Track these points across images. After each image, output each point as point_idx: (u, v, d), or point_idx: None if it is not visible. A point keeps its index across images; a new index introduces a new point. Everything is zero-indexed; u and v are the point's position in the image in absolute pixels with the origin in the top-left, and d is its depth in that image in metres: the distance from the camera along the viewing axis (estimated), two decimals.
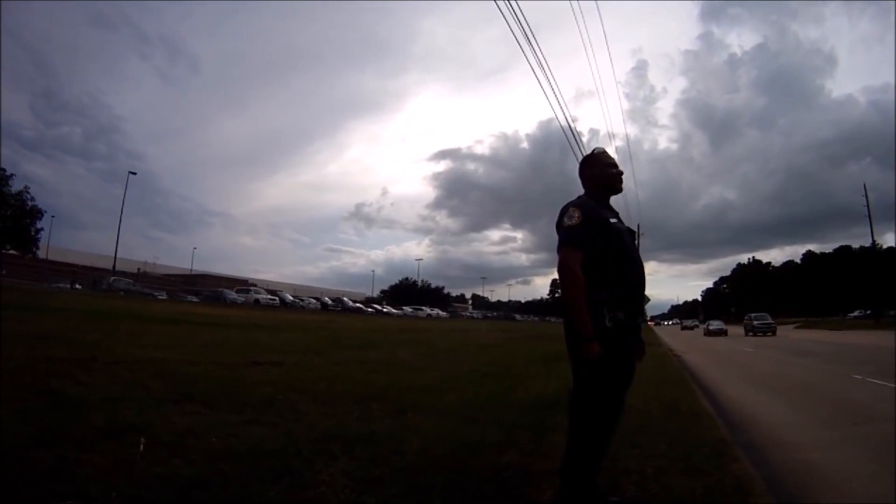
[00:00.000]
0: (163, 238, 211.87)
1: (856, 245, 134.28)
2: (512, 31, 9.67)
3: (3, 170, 61.67)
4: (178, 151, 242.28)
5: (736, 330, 62.75)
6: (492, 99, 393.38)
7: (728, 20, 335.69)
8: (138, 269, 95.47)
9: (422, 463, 5.07)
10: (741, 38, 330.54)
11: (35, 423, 5.16)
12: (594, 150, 4.61)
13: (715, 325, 66.49)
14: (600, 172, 4.34)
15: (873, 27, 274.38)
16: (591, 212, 4.00)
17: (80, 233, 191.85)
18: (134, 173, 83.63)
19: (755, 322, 57.09)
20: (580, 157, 4.67)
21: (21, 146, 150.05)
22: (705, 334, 63.83)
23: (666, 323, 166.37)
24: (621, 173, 4.42)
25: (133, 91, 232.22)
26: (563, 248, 3.92)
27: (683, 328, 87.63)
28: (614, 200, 4.47)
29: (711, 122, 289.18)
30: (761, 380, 16.23)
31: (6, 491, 3.68)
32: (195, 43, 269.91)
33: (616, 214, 4.30)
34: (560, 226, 4.01)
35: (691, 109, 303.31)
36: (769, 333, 53.33)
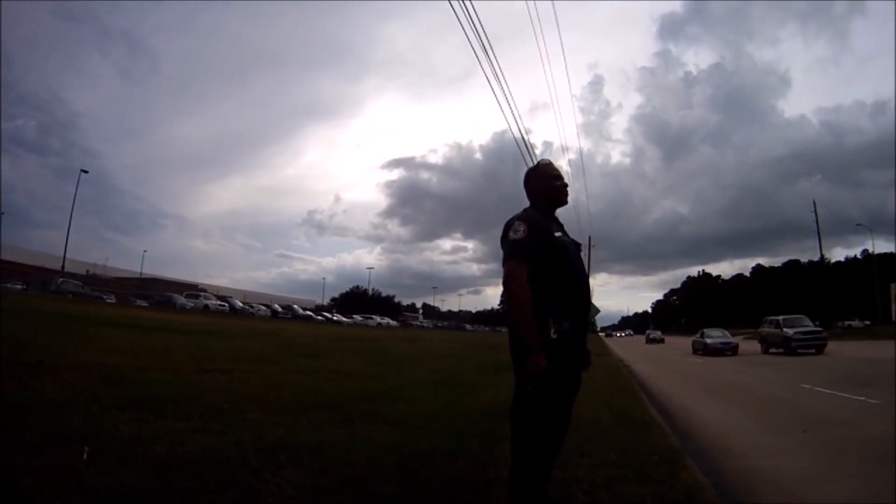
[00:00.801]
0: (115, 239, 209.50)
1: (805, 259, 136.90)
2: (469, 40, 9.71)
3: None
4: (135, 150, 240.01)
5: (682, 341, 63.10)
6: (448, 108, 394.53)
7: (686, 39, 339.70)
8: (87, 270, 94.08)
9: (371, 473, 5.04)
10: (698, 57, 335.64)
11: None
12: (539, 161, 4.64)
13: (654, 334, 78.74)
14: (545, 185, 4.33)
15: (828, 50, 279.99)
16: (536, 224, 4.00)
17: (30, 231, 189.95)
18: (86, 171, 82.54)
19: (707, 340, 40.44)
20: (527, 169, 4.67)
21: None
22: (647, 342, 73.32)
23: (619, 334, 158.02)
24: (566, 185, 4.41)
25: (92, 87, 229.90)
26: (508, 261, 3.91)
27: (650, 341, 76.75)
28: (563, 212, 4.48)
29: (665, 138, 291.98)
30: (712, 389, 16.42)
31: None
32: (157, 40, 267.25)
33: (561, 227, 4.32)
34: (505, 239, 4.02)
35: (645, 125, 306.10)
36: (728, 353, 37.20)
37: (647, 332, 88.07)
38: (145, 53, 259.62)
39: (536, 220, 4.04)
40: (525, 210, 4.23)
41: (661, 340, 74.39)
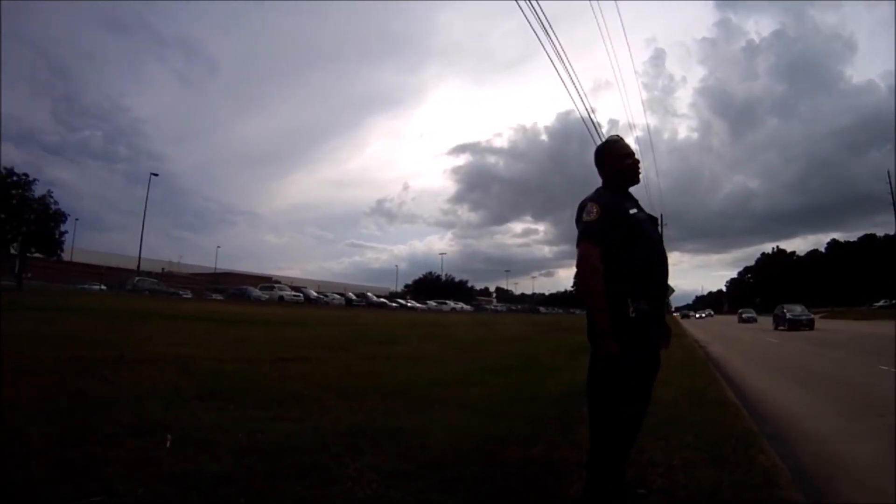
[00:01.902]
0: (186, 237, 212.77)
1: (880, 233, 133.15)
2: (530, 23, 9.65)
3: (26, 175, 61.85)
4: (199, 152, 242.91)
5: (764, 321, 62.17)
6: (510, 91, 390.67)
7: (744, 7, 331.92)
8: (162, 268, 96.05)
9: (448, 457, 5.04)
10: (759, 25, 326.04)
11: (63, 421, 5.20)
12: (609, 138, 4.55)
13: (747, 313, 71.00)
14: (617, 163, 4.27)
15: (892, 10, 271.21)
16: (609, 205, 3.96)
17: (104, 235, 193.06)
18: (156, 174, 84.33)
19: (788, 314, 45.78)
20: (597, 146, 4.61)
21: (43, 151, 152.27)
22: (739, 321, 67.67)
23: (696, 315, 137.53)
24: (638, 162, 4.34)
25: (152, 93, 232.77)
26: (581, 243, 3.89)
27: (743, 321, 67.75)
28: (634, 190, 4.42)
29: (731, 111, 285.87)
30: (786, 371, 16.13)
31: (35, 489, 3.70)
32: (212, 44, 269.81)
33: (636, 203, 4.24)
34: (579, 221, 3.98)
35: (710, 98, 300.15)
36: (804, 328, 43.02)
37: (740, 311, 79.16)
38: (201, 57, 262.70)
39: (609, 200, 4.00)
40: (597, 190, 4.18)
41: (755, 320, 67.16)
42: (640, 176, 4.38)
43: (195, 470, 4.18)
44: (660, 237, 4.33)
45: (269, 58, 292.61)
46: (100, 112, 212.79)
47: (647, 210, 4.41)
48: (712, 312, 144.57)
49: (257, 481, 4.08)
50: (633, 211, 4.05)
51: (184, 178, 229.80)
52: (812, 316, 45.83)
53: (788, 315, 45.15)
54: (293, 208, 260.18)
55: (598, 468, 3.88)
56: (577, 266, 3.86)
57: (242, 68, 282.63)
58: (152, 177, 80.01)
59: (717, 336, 37.74)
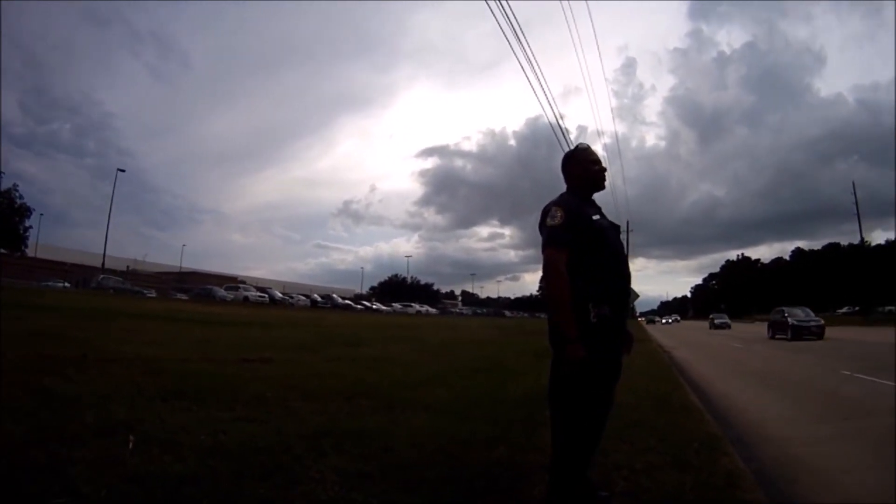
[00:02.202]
0: (153, 235, 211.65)
1: (844, 242, 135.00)
2: (501, 27, 9.71)
3: None
4: (169, 148, 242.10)
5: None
6: (480, 95, 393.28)
7: (717, 18, 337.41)
8: (127, 266, 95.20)
9: (412, 459, 5.08)
10: (730, 36, 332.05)
11: (27, 421, 5.18)
12: (577, 146, 4.59)
13: (720, 318, 68.28)
14: (584, 170, 4.31)
15: (863, 26, 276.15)
16: (574, 210, 3.99)
17: (69, 230, 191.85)
18: (122, 170, 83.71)
19: (791, 320, 37.72)
20: (565, 153, 4.66)
21: (11, 143, 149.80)
22: (711, 328, 64.90)
23: (662, 320, 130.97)
24: (604, 170, 4.39)
25: (124, 88, 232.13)
26: (547, 248, 3.91)
27: (716, 327, 64.36)
28: (600, 197, 4.46)
29: (700, 120, 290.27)
30: (750, 375, 16.31)
31: None
32: (186, 39, 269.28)
33: (599, 210, 4.30)
34: (543, 226, 4.01)
35: (679, 107, 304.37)
36: (813, 338, 34.71)
37: (711, 315, 74.87)
38: (175, 52, 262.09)
39: (574, 205, 4.03)
40: (561, 195, 4.21)
41: (728, 326, 64.79)
42: (606, 184, 4.43)
43: (159, 470, 4.18)
44: (622, 244, 4.38)
45: (241, 55, 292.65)
46: (70, 105, 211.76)
47: (613, 216, 4.47)
48: (678, 318, 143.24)
49: (221, 482, 4.09)
50: (596, 217, 4.10)
51: (151, 174, 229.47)
52: (822, 322, 36.56)
53: (792, 321, 36.18)
54: (261, 207, 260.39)
55: (561, 471, 3.92)
56: (544, 271, 3.89)
57: (215, 65, 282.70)
58: (119, 173, 79.58)
59: (684, 342, 37.89)
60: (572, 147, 4.71)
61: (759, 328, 52.78)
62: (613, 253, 4.10)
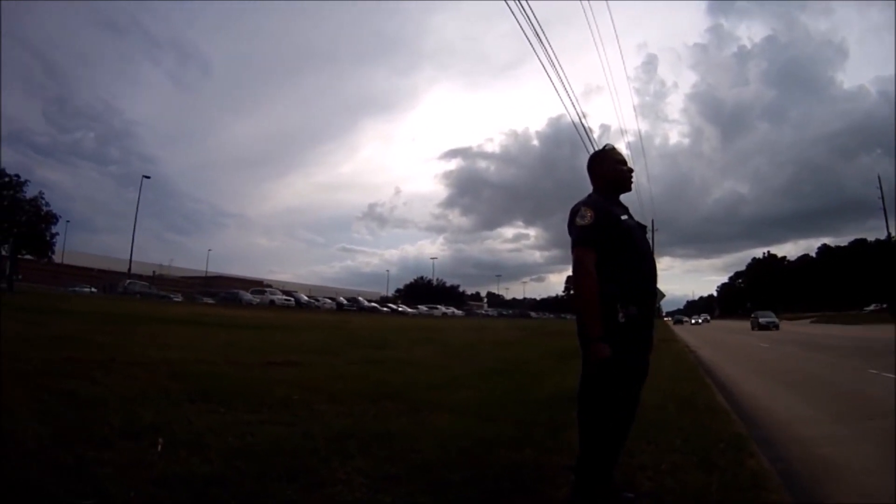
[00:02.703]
0: (177, 240, 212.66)
1: (871, 238, 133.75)
2: (521, 27, 9.69)
3: (17, 176, 61.86)
4: (192, 154, 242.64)
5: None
6: (502, 95, 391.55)
7: (736, 13, 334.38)
8: (153, 271, 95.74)
9: (438, 460, 5.09)
10: (750, 31, 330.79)
11: (54, 423, 5.20)
12: (604, 146, 4.59)
13: (765, 317, 60.20)
14: (610, 170, 4.33)
15: (883, 17, 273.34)
16: (602, 210, 4.01)
17: (95, 237, 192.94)
18: (147, 177, 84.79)
19: (760, 319, 59.46)
20: (591, 153, 4.65)
21: (34, 152, 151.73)
22: (754, 328, 57.09)
23: (692, 320, 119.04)
24: (631, 171, 4.42)
25: (145, 95, 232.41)
26: (576, 248, 3.93)
27: (761, 327, 56.61)
28: (625, 196, 4.46)
29: (722, 116, 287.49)
30: (777, 375, 16.19)
31: (27, 491, 3.71)
32: (206, 45, 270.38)
33: (626, 210, 4.31)
34: (572, 226, 4.02)
35: (701, 103, 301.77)
36: (773, 328, 54.87)
37: (755, 314, 64.38)
38: (194, 59, 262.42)
39: (602, 205, 4.05)
40: (589, 195, 4.24)
41: (776, 325, 56.13)
42: (632, 184, 4.45)
43: (186, 472, 4.20)
44: (649, 244, 4.37)
45: (262, 59, 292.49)
46: (92, 113, 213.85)
47: (639, 215, 4.47)
48: (708, 317, 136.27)
49: (247, 483, 4.11)
50: (624, 217, 4.11)
51: (175, 180, 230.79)
52: (777, 321, 58.85)
53: (761, 320, 58.36)
54: (285, 211, 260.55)
55: (586, 471, 3.92)
56: (574, 271, 3.91)
57: (235, 70, 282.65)
58: (144, 179, 79.93)
59: (719, 344, 37.56)
60: (596, 147, 4.72)
61: (788, 327, 52.64)
62: (641, 253, 4.12)
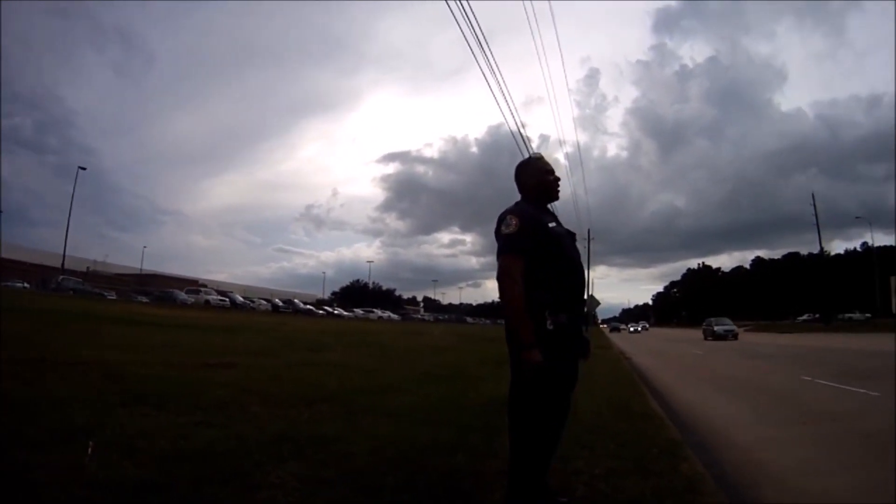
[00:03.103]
0: (114, 236, 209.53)
1: (804, 252, 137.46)
2: (464, 35, 9.72)
3: None
4: (131, 147, 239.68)
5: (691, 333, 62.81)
6: (444, 102, 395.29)
7: (681, 32, 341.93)
8: (87, 267, 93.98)
9: (372, 464, 5.10)
10: (693, 51, 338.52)
11: None
12: (531, 155, 4.67)
13: (721, 325, 51.83)
14: (538, 180, 4.37)
15: (825, 44, 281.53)
16: (529, 217, 4.04)
17: (29, 229, 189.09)
18: (84, 168, 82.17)
19: (715, 327, 51.01)
20: (518, 162, 4.69)
21: None
22: (707, 338, 50.35)
23: (630, 328, 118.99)
24: (558, 180, 4.46)
25: (87, 84, 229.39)
26: (502, 255, 3.95)
27: (717, 336, 49.85)
28: (562, 205, 4.52)
29: (661, 131, 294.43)
30: (711, 381, 16.47)
31: None
32: (151, 36, 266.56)
33: (555, 218, 4.35)
34: (498, 234, 4.05)
35: (642, 118, 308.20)
36: (731, 338, 47.95)
37: (709, 321, 55.43)
38: (140, 50, 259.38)
39: (529, 213, 4.08)
40: (517, 203, 4.27)
41: (734, 335, 49.31)
42: (559, 193, 4.50)
43: (118, 477, 4.17)
44: (579, 252, 4.42)
45: (207, 54, 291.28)
46: (32, 99, 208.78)
47: (575, 225, 4.53)
48: (647, 325, 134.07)
49: (180, 488, 4.08)
50: (552, 225, 4.15)
51: (113, 173, 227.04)
52: (736, 328, 51.52)
53: (716, 328, 50.79)
54: (223, 210, 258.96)
55: (518, 477, 3.95)
56: (498, 278, 3.93)
57: (180, 63, 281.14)
58: (80, 171, 78.52)
59: (652, 352, 38.01)
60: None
61: None
62: (570, 261, 4.15)
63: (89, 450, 4.67)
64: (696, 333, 58.44)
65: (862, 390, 11.95)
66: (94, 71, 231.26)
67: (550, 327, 3.82)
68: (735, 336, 49.51)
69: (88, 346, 12.06)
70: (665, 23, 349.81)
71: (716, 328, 51.31)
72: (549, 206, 4.47)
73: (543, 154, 4.70)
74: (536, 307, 3.82)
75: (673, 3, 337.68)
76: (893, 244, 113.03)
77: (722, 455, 6.94)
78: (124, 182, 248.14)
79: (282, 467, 4.76)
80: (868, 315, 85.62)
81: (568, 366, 4.04)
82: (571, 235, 4.44)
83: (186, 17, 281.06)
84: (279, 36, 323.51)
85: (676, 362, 25.79)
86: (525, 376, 3.74)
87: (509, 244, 3.94)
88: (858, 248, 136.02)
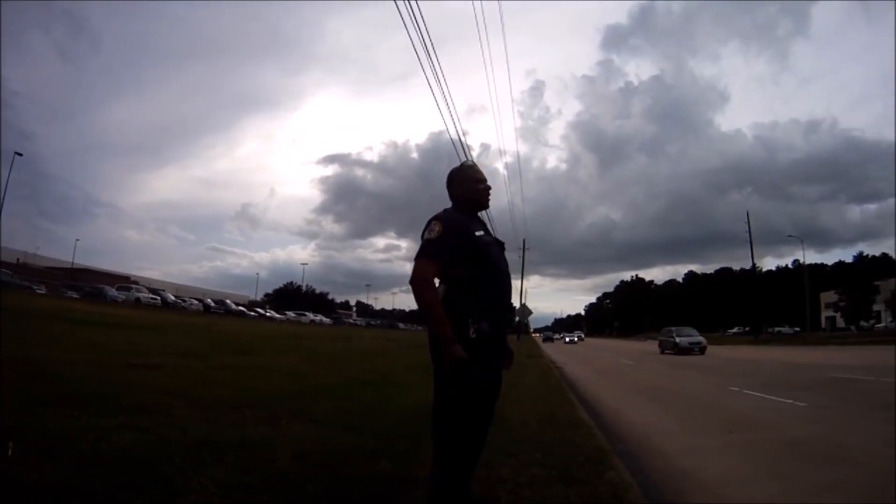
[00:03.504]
0: (46, 227, 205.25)
1: (737, 267, 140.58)
2: (412, 40, 9.75)
3: None
4: (69, 134, 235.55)
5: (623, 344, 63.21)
6: (387, 106, 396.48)
7: (629, 50, 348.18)
8: (17, 259, 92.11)
9: (295, 470, 5.10)
10: (639, 69, 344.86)
11: None
12: (463, 163, 4.67)
13: (685, 337, 43.04)
14: (468, 188, 4.38)
15: (768, 69, 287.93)
16: (454, 225, 4.06)
17: None
18: (20, 154, 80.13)
19: (677, 339, 42.17)
20: (450, 170, 4.70)
21: None
22: (665, 351, 44.09)
23: (566, 338, 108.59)
24: (489, 189, 4.48)
25: (29, 65, 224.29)
26: (418, 259, 3.96)
27: (681, 350, 41.28)
28: (498, 214, 4.59)
29: (602, 146, 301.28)
30: (641, 391, 16.67)
31: None
32: (98, 20, 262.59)
33: (484, 227, 4.37)
34: (421, 238, 4.07)
35: (583, 132, 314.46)
36: (696, 352, 39.54)
37: (668, 331, 47.25)
38: (87, 34, 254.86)
39: (454, 220, 4.11)
40: (445, 210, 4.27)
41: (701, 348, 40.77)
42: (489, 202, 4.52)
43: (36, 479, 4.13)
44: (506, 262, 4.45)
45: (153, 42, 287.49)
46: None
47: (510, 234, 4.56)
48: (583, 335, 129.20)
49: (98, 492, 4.05)
50: (479, 233, 4.17)
51: (49, 161, 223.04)
52: (704, 341, 41.81)
53: (679, 339, 41.84)
54: (158, 205, 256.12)
55: (440, 484, 3.95)
56: (411, 282, 3.94)
57: (125, 50, 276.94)
58: (16, 156, 76.80)
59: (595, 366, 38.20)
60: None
61: (652, 345, 53.86)
62: (496, 269, 4.17)
63: (9, 451, 4.60)
64: (628, 345, 58.52)
65: (789, 401, 12.20)
66: (38, 52, 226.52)
67: (473, 335, 3.84)
68: (703, 350, 40.93)
69: (13, 342, 11.82)
70: (614, 39, 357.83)
71: (678, 340, 42.67)
72: (480, 214, 4.49)
73: (482, 163, 4.73)
74: (459, 315, 3.85)
75: (623, 21, 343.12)
76: (823, 262, 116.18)
77: (648, 463, 7.04)
78: (59, 170, 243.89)
79: (203, 472, 4.72)
80: (797, 329, 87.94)
81: (491, 374, 4.07)
82: (500, 244, 4.47)
83: (136, 3, 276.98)
84: (226, 30, 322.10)
85: (607, 372, 26.02)
86: (449, 373, 3.75)
87: (427, 249, 3.96)
88: (790, 265, 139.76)
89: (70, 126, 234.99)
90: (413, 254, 3.96)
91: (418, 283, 3.88)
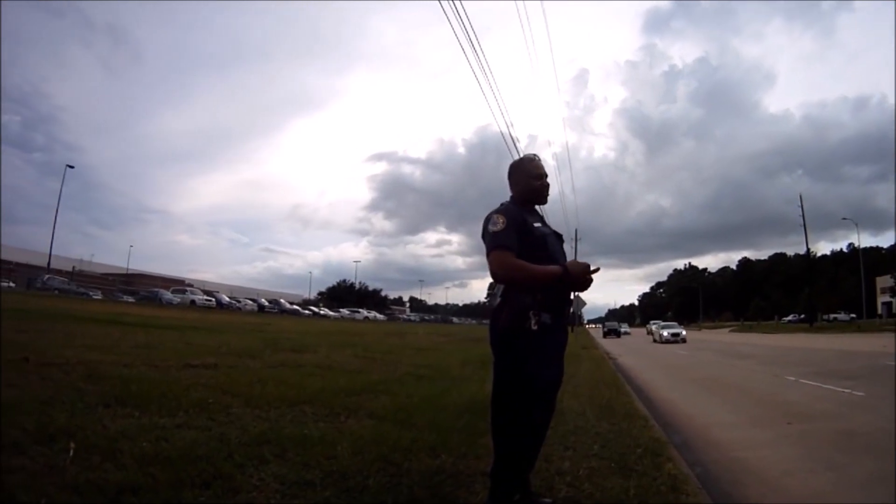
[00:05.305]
0: (100, 235, 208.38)
1: (791, 253, 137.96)
2: (456, 35, 9.72)
3: None
4: (118, 145, 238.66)
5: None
6: (432, 101, 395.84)
7: (671, 33, 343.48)
8: (73, 267, 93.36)
9: (354, 466, 5.08)
10: (682, 52, 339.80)
11: None
12: (524, 156, 4.62)
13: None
14: (527, 184, 4.37)
15: (814, 46, 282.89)
16: (514, 216, 4.04)
17: (14, 227, 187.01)
18: (72, 167, 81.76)
19: (664, 332, 50.51)
20: (512, 161, 4.66)
21: None
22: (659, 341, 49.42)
23: (625, 328, 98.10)
24: (547, 185, 4.45)
25: (74, 80, 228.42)
26: (492, 252, 3.92)
27: (663, 340, 49.21)
28: (548, 205, 4.50)
29: (648, 132, 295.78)
30: (696, 381, 16.51)
31: None
32: (140, 32, 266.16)
33: (541, 219, 4.37)
34: (486, 233, 4.05)
35: (629, 118, 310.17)
36: (680, 342, 46.36)
37: (654, 324, 57.11)
38: (129, 46, 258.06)
39: (514, 213, 4.08)
40: (502, 204, 4.26)
41: (680, 338, 47.76)
42: (548, 198, 4.49)
43: (99, 479, 4.13)
44: (564, 253, 4.40)
45: (195, 51, 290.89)
46: (18, 96, 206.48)
47: (562, 225, 4.54)
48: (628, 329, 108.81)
49: (161, 490, 4.06)
50: (537, 225, 4.15)
51: (99, 172, 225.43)
52: (684, 331, 51.67)
53: (663, 332, 50.98)
54: (209, 209, 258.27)
55: (501, 477, 3.93)
56: (494, 274, 3.92)
57: (167, 60, 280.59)
58: (68, 169, 78.09)
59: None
60: (520, 155, 4.74)
61: (707, 336, 53.52)
62: (555, 261, 4.10)
63: (70, 451, 4.64)
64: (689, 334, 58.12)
65: (846, 391, 12.01)
66: (81, 67, 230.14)
67: (534, 327, 3.82)
68: (683, 339, 48.22)
69: (72, 346, 11.97)
70: (655, 23, 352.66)
71: (663, 332, 51.19)
72: (536, 207, 4.46)
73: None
74: (520, 307, 3.83)
75: (663, 3, 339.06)
76: (879, 245, 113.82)
77: (705, 454, 6.98)
78: (110, 180, 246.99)
79: (263, 469, 4.76)
80: (853, 315, 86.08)
81: (552, 366, 4.06)
82: (558, 236, 4.45)
83: (175, 13, 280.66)
84: (268, 33, 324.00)
85: (661, 363, 25.83)
86: (504, 376, 3.75)
87: (497, 240, 3.93)
88: (845, 250, 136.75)
89: (118, 137, 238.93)
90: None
91: (506, 269, 3.86)
